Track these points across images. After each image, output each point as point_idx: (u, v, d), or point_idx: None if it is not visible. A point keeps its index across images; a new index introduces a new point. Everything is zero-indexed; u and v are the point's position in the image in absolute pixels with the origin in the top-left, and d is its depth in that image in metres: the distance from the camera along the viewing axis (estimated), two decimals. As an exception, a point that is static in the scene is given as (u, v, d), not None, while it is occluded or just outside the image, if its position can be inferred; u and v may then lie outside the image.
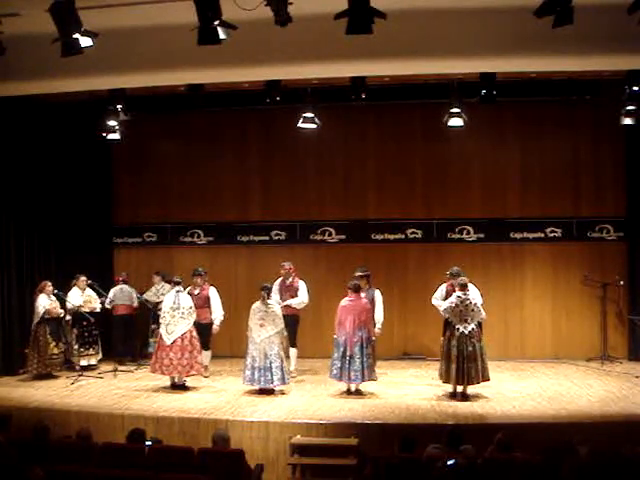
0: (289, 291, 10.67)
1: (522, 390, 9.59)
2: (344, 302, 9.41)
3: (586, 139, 11.81)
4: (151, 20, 7.58)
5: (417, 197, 12.25)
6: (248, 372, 9.47)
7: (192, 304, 9.96)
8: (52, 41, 6.53)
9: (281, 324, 9.60)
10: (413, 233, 12.27)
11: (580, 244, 11.87)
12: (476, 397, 9.14)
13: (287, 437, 8.09)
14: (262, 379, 9.39)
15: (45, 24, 6.41)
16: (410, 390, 9.73)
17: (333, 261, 12.29)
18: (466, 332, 8.94)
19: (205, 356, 10.51)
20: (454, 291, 9.36)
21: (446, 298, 9.51)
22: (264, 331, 9.46)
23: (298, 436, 8.09)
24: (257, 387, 9.48)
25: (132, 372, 11.12)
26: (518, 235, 12.02)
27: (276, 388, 9.50)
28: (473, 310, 9.03)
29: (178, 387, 9.86)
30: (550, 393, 9.46)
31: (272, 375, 9.38)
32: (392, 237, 12.32)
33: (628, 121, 10.24)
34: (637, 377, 10.17)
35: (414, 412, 8.64)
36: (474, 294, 9.38)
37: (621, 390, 9.51)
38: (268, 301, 9.61)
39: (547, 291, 11.94)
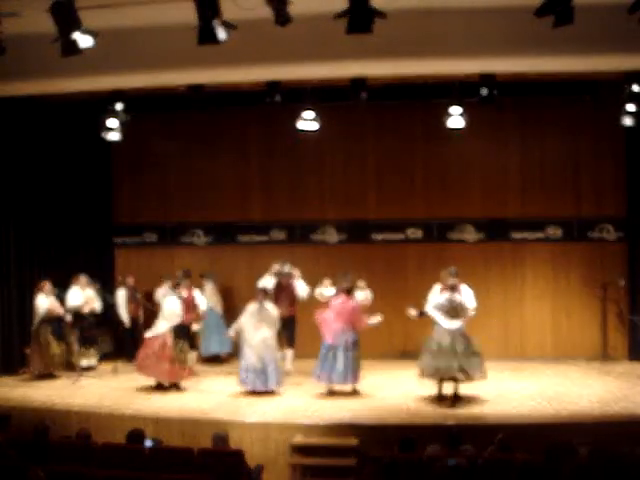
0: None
1: (522, 390, 9.58)
2: (334, 303, 9.45)
3: (586, 139, 11.80)
4: (151, 20, 7.59)
5: (417, 197, 12.25)
6: (243, 374, 9.46)
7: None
8: (52, 41, 6.53)
9: (275, 326, 9.59)
10: (413, 233, 12.27)
11: (580, 244, 11.87)
12: (476, 397, 9.14)
13: (287, 437, 8.09)
14: (257, 382, 9.38)
15: (45, 24, 6.42)
16: (410, 390, 9.72)
17: (333, 261, 12.27)
18: (453, 328, 8.89)
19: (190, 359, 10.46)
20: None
21: None
22: (259, 333, 9.45)
23: (298, 436, 8.10)
24: (250, 389, 9.45)
25: (132, 372, 11.13)
26: (518, 235, 12.02)
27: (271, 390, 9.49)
28: (461, 310, 8.97)
29: (163, 387, 9.82)
30: (550, 393, 9.44)
31: (267, 378, 9.38)
32: (392, 237, 12.32)
33: (628, 121, 10.23)
34: (637, 377, 10.17)
35: (414, 412, 8.64)
36: (466, 296, 9.31)
37: (621, 390, 9.50)
38: (265, 303, 9.61)
39: (547, 291, 11.94)
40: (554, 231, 11.92)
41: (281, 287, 10.74)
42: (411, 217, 12.23)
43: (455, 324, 8.92)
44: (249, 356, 9.41)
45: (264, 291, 9.76)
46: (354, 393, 9.44)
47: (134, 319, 11.83)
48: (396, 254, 12.18)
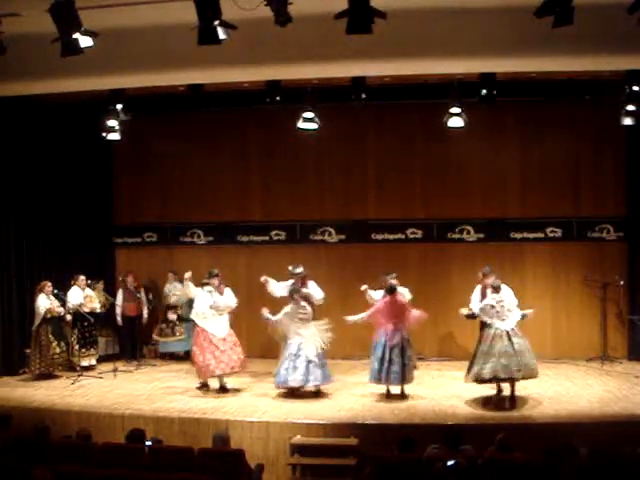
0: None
1: (522, 390, 9.56)
2: (381, 304, 9.37)
3: (586, 139, 11.79)
4: (151, 20, 7.58)
5: (417, 197, 12.24)
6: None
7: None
8: (52, 41, 6.53)
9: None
10: (413, 233, 12.26)
11: (580, 244, 11.86)
12: (476, 398, 9.14)
13: (287, 437, 8.10)
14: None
15: (45, 24, 6.42)
16: (410, 390, 9.71)
17: (333, 261, 12.28)
18: (508, 329, 8.87)
19: None
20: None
21: (482, 299, 9.54)
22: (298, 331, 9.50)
23: (298, 436, 8.10)
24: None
25: (132, 372, 11.14)
26: (518, 235, 12.01)
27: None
28: (510, 310, 8.97)
29: (225, 390, 9.70)
30: (550, 393, 9.45)
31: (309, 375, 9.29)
32: (392, 237, 12.31)
33: (628, 121, 10.22)
34: (637, 377, 10.17)
35: (414, 412, 8.64)
36: (508, 295, 9.32)
37: (621, 390, 9.50)
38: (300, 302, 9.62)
39: (547, 291, 11.93)
40: (554, 231, 11.92)
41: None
42: (411, 217, 12.22)
43: (508, 324, 8.89)
44: None
45: (295, 291, 9.70)
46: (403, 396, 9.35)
47: (134, 318, 11.84)
48: (396, 254, 12.15)
